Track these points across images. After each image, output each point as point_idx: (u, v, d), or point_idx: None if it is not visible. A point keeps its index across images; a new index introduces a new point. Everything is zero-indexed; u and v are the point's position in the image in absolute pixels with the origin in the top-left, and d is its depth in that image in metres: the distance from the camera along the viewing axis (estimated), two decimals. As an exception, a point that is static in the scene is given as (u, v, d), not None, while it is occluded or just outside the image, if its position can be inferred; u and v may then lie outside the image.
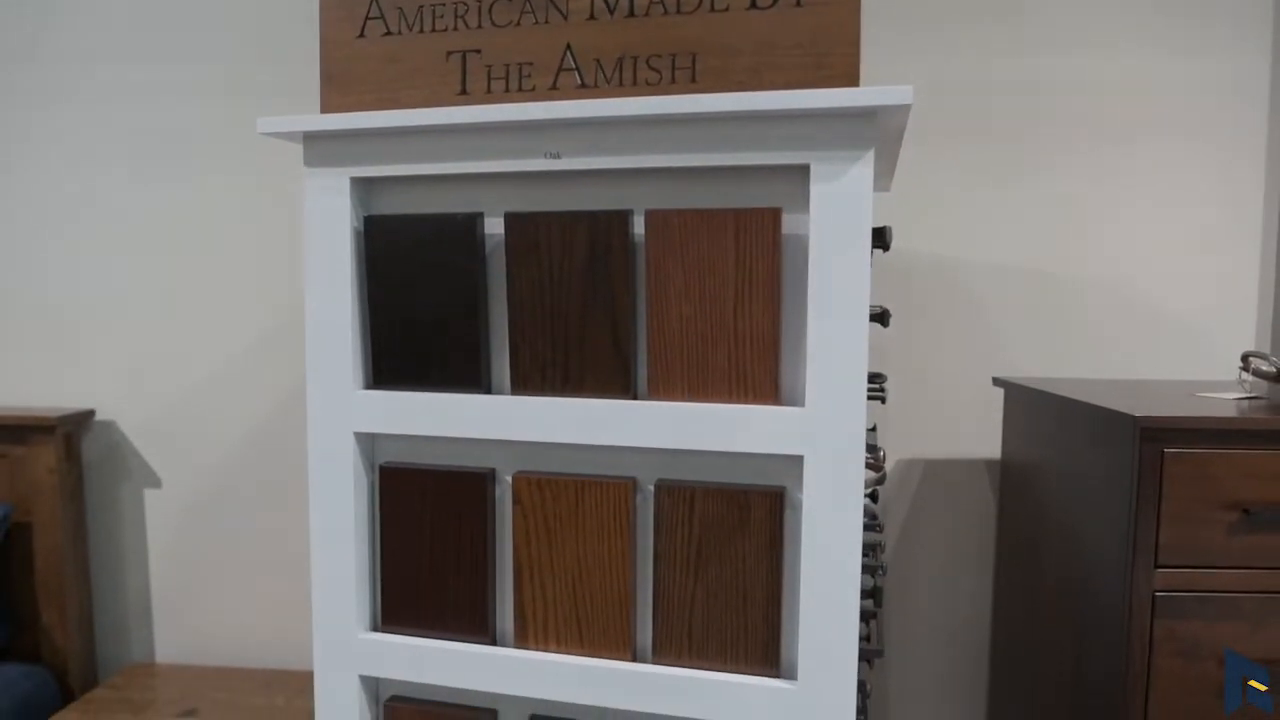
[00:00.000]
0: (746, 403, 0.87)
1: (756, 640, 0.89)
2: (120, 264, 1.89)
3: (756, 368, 0.86)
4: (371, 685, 1.02)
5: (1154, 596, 1.15)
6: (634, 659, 0.93)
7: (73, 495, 1.87)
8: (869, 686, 1.41)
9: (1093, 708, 1.26)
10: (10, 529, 1.85)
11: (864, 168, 0.82)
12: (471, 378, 0.95)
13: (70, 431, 1.87)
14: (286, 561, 1.88)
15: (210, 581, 1.93)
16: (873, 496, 1.28)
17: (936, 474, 1.79)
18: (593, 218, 0.89)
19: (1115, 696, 1.18)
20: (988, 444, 1.76)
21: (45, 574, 1.85)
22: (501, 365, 0.96)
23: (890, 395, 1.76)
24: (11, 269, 1.93)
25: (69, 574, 1.86)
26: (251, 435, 1.89)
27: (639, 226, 0.90)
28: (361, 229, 0.98)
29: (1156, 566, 1.15)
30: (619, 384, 0.91)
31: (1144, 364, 1.74)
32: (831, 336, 0.84)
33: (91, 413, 1.91)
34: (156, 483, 1.92)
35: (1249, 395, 1.35)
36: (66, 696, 1.85)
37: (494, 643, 0.98)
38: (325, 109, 0.97)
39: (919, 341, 1.76)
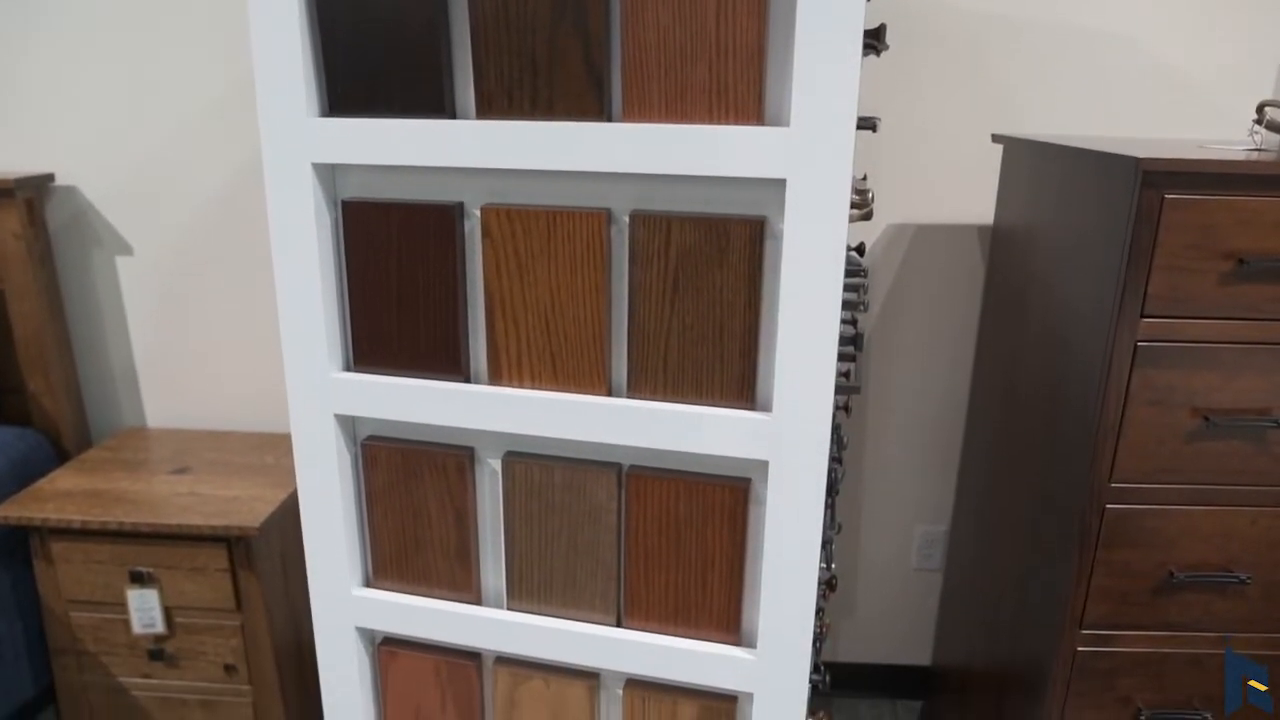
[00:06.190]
0: (728, 122, 0.81)
1: (732, 374, 0.88)
2: (67, 21, 1.74)
3: (739, 82, 0.80)
4: (348, 425, 1.02)
5: (1136, 346, 1.14)
6: (609, 393, 0.93)
7: (42, 261, 1.83)
8: (845, 439, 1.44)
9: (1064, 454, 1.29)
10: (-17, 296, 1.82)
11: None
12: (434, 101, 0.88)
13: (31, 196, 1.79)
14: (270, 323, 1.87)
15: (193, 347, 1.93)
16: (859, 250, 1.24)
17: (926, 238, 1.75)
18: (561, -89, 0.80)
19: (1087, 442, 1.20)
20: (981, 209, 1.71)
21: (25, 341, 1.84)
22: (466, 87, 0.89)
23: (884, 155, 1.69)
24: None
25: (49, 340, 1.85)
26: (220, 194, 1.81)
27: (614, -74, 0.81)
28: (304, -69, 0.87)
29: (1142, 316, 1.13)
30: (592, 105, 0.84)
31: (1155, 125, 1.66)
32: (820, 50, 0.76)
33: (50, 176, 1.83)
34: (128, 249, 1.87)
35: (1259, 148, 1.29)
36: (62, 458, 1.89)
37: (468, 380, 0.97)
38: None
39: (916, 99, 1.67)
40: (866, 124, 0.97)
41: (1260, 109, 1.29)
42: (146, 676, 1.70)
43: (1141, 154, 1.09)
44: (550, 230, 0.88)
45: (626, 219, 0.87)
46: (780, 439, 0.87)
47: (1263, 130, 1.30)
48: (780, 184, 0.81)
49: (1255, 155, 1.19)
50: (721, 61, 0.80)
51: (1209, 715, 1.28)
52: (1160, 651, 1.26)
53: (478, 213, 0.91)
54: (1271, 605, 1.24)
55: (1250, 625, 1.25)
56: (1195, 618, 1.25)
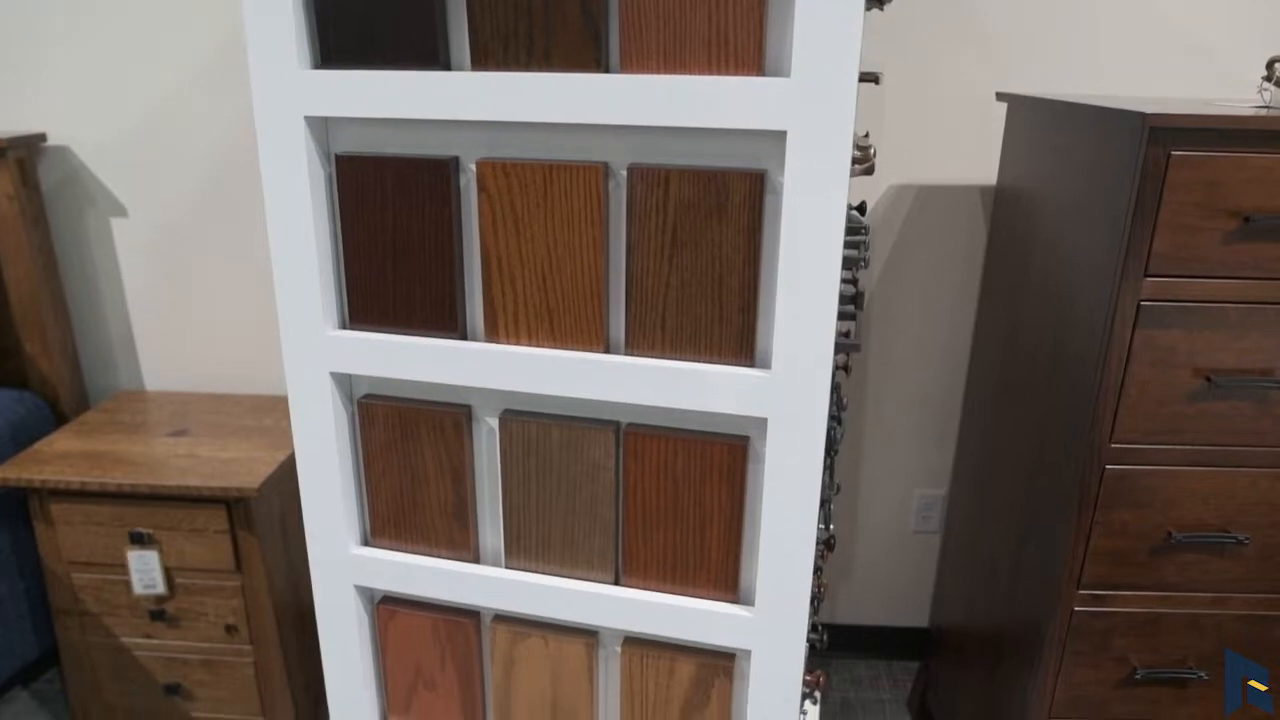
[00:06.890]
0: (728, 73, 0.80)
1: (731, 330, 0.87)
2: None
3: (739, 31, 0.78)
4: (344, 383, 1.02)
5: (1139, 305, 1.13)
6: (607, 350, 0.92)
7: (36, 223, 1.81)
8: (845, 399, 1.43)
9: (1064, 414, 1.28)
10: (-23, 257, 1.81)
11: None
12: (428, 52, 0.86)
13: (23, 156, 1.77)
14: (267, 284, 1.86)
15: (190, 309, 1.92)
16: (860, 209, 1.23)
17: (929, 198, 1.73)
18: None
19: (1087, 402, 1.20)
20: (984, 169, 1.69)
21: (20, 303, 1.83)
22: (460, 38, 0.87)
23: (887, 114, 1.67)
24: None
25: (44, 303, 1.83)
26: (215, 153, 1.79)
27: None
28: (293, -125, 0.85)
29: (1145, 275, 1.12)
30: (589, 56, 0.82)
31: (1163, 85, 1.64)
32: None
33: (42, 136, 1.81)
34: (122, 210, 1.85)
35: (1267, 105, 1.27)
36: (59, 420, 1.89)
37: (464, 338, 0.96)
38: None
39: (920, 56, 1.64)
40: (869, 77, 0.95)
41: (1270, 65, 1.27)
42: (148, 637, 1.71)
43: (1148, 110, 1.08)
44: (547, 184, 0.87)
45: (624, 173, 0.86)
46: (779, 396, 0.86)
47: (1272, 87, 1.27)
48: (780, 136, 0.80)
49: (1264, 113, 1.17)
50: (721, 9, 0.78)
51: (1205, 675, 1.28)
52: (1157, 612, 1.27)
53: (473, 167, 0.90)
54: (1269, 566, 1.24)
55: (1247, 586, 1.25)
56: (1192, 578, 1.25)
